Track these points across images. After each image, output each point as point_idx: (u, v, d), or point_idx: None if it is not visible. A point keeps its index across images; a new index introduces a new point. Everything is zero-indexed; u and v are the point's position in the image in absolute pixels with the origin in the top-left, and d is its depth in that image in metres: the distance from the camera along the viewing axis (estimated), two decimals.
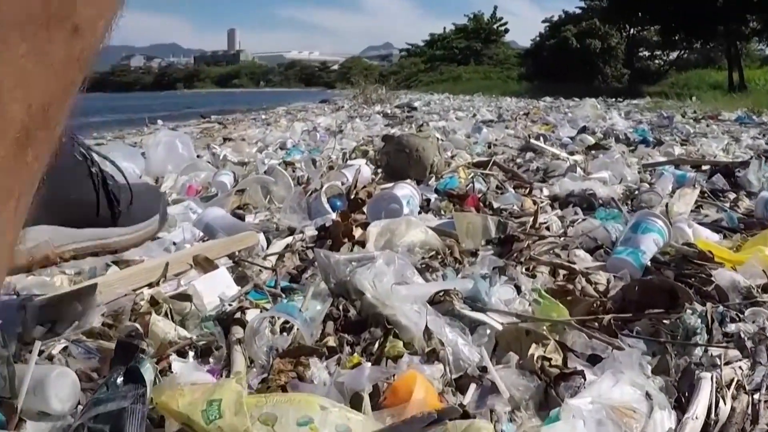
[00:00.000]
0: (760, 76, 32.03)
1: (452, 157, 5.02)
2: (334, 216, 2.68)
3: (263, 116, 14.52)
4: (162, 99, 47.75)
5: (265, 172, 4.19)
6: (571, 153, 5.42)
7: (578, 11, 47.11)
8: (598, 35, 42.61)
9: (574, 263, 2.19)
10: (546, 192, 3.57)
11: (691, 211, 3.12)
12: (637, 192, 3.55)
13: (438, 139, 4.50)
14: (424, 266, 2.09)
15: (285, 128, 9.38)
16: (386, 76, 39.93)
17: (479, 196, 3.22)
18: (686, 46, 40.11)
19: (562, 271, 2.09)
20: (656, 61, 45.69)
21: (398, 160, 3.93)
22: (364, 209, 2.82)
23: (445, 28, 73.52)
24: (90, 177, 1.45)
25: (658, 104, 15.44)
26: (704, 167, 4.46)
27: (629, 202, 3.29)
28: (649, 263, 2.12)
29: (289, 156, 5.37)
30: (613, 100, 19.64)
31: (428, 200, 3.23)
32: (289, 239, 2.44)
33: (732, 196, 3.56)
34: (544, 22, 50.24)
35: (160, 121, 12.81)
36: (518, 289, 1.84)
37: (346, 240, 2.32)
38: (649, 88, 31.26)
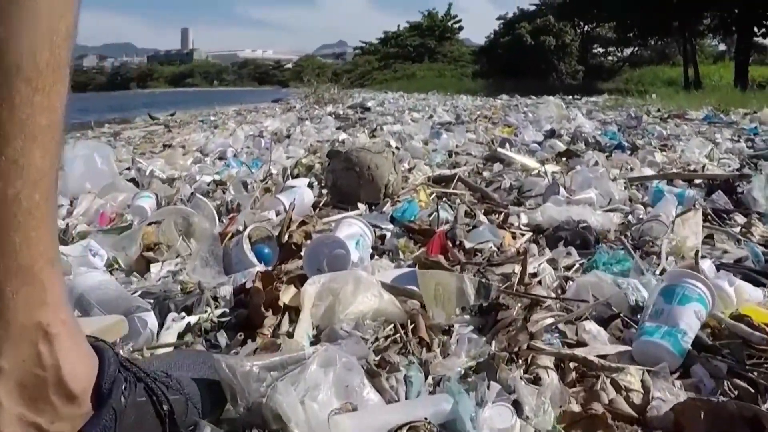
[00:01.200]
0: (714, 72, 32.20)
1: (410, 170, 4.44)
2: (259, 269, 2.05)
3: (212, 118, 14.03)
4: (115, 99, 47.41)
5: (191, 195, 3.58)
6: (542, 162, 4.88)
7: (532, 8, 47.22)
8: (553, 32, 42.77)
9: (585, 343, 1.59)
10: (524, 219, 2.93)
11: (702, 243, 2.55)
12: (631, 218, 2.98)
13: (393, 153, 3.84)
14: (379, 359, 1.48)
15: (230, 133, 8.77)
16: (340, 74, 39.16)
17: (446, 229, 2.61)
18: (641, 42, 40.35)
19: (572, 363, 1.48)
20: (609, 58, 46.12)
21: (347, 180, 3.31)
22: (303, 253, 2.17)
23: (399, 25, 73.23)
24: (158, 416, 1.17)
25: (618, 102, 15.04)
26: (697, 180, 3.93)
27: (628, 234, 2.70)
28: (690, 347, 1.53)
29: (225, 170, 4.75)
30: (570, 97, 19.34)
31: (383, 237, 2.60)
32: (193, 318, 1.76)
33: (739, 218, 3.01)
34: (498, 19, 50.39)
35: (106, 125, 12.78)
36: (517, 406, 1.25)
37: (269, 312, 1.69)
38: (604, 85, 31.44)
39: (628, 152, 5.45)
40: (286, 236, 2.37)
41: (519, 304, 1.75)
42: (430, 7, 73.89)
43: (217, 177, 4.49)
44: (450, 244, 2.33)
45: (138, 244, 2.51)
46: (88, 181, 4.06)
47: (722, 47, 42.99)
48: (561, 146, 5.71)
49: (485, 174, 4.40)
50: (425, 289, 1.75)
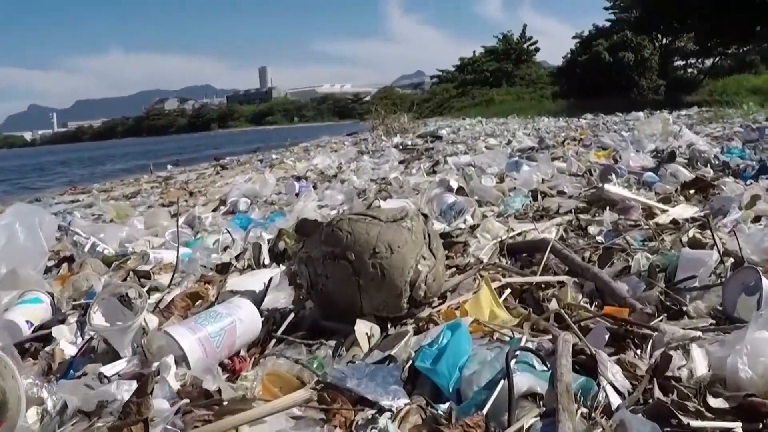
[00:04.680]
0: None
1: (473, 228, 2.90)
2: None
3: (274, 155, 13.71)
4: (194, 141, 48.73)
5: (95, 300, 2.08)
6: (666, 200, 3.35)
7: (608, 24, 45.98)
8: (631, 47, 41.29)
9: None
10: (702, 366, 1.30)
11: None
12: None
13: (425, 216, 1.97)
14: None
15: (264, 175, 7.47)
16: (418, 104, 37.75)
17: None
18: (722, 51, 39.12)
19: None
20: (690, 70, 44.75)
21: (334, 277, 1.70)
22: None
23: (474, 51, 71.93)
24: None
25: (718, 114, 13.58)
26: None
27: None
28: None
29: (197, 242, 3.25)
30: (658, 112, 18.00)
31: None
32: None
33: None
34: (574, 38, 48.98)
35: (169, 165, 13.36)
36: None
37: None
38: (688, 98, 30.22)
39: None
40: None
41: None
42: (505, 30, 72.56)
43: (187, 251, 3.01)
44: None
45: None
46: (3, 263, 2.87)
47: None
48: (686, 173, 4.14)
49: (591, 231, 2.79)
50: None
